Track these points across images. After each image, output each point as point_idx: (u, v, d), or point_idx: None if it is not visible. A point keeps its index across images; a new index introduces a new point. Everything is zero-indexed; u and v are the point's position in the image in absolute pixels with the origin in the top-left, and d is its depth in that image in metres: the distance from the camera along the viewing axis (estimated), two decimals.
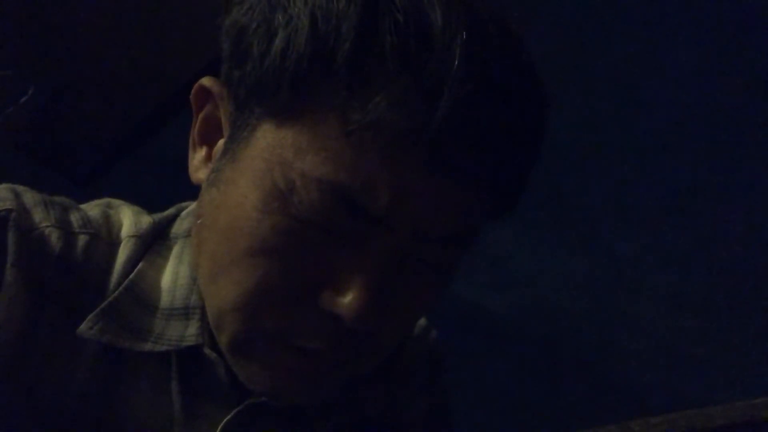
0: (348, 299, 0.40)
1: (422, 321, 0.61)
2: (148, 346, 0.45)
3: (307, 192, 0.39)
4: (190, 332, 0.46)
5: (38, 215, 0.46)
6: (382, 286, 0.40)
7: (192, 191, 0.49)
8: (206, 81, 0.46)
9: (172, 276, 0.48)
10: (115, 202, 0.53)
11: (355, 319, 0.39)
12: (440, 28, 0.38)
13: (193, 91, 0.47)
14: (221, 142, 0.45)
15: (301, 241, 0.40)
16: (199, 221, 0.45)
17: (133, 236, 0.49)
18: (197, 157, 0.47)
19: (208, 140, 0.47)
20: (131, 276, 0.47)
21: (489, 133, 0.39)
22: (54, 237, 0.45)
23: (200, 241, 0.45)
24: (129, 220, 0.50)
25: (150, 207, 0.53)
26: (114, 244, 0.48)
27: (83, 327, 0.44)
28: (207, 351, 0.46)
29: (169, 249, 0.50)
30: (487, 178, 0.41)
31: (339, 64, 0.37)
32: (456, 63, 0.37)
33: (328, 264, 0.40)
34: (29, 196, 0.47)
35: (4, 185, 0.47)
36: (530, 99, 0.42)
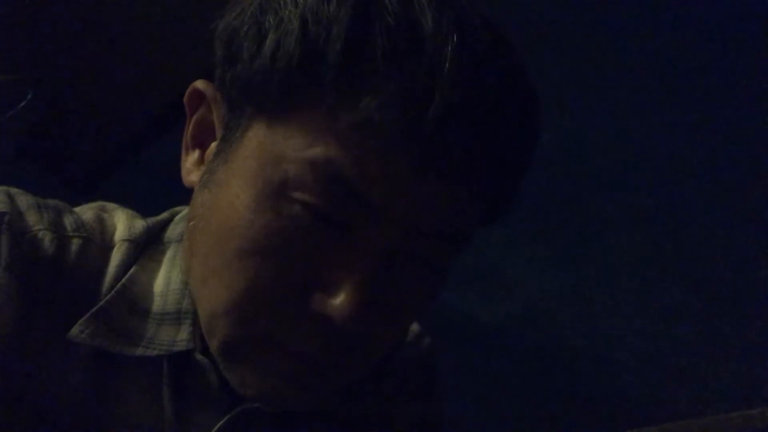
0: (339, 300, 0.39)
1: (415, 327, 0.61)
2: (139, 351, 0.45)
3: (302, 175, 0.39)
4: (181, 337, 0.46)
5: (32, 218, 0.46)
6: (374, 287, 0.40)
7: (187, 197, 0.49)
8: (200, 84, 0.47)
9: (164, 280, 0.48)
10: (109, 205, 0.53)
11: (346, 321, 0.39)
12: (431, 32, 0.38)
13: (186, 94, 0.47)
14: (214, 145, 0.46)
15: (293, 242, 0.40)
16: (191, 224, 0.45)
17: (126, 240, 0.49)
18: (190, 160, 0.47)
19: (201, 143, 0.47)
20: (123, 280, 0.47)
21: (479, 135, 0.40)
22: (47, 240, 0.45)
23: (192, 244, 0.45)
24: (123, 224, 0.50)
25: (145, 212, 0.53)
26: (107, 247, 0.48)
27: (74, 331, 0.44)
28: (198, 356, 0.46)
29: (163, 253, 0.50)
30: (478, 179, 0.41)
31: (329, 65, 0.38)
32: (447, 66, 0.37)
33: (319, 265, 0.40)
34: (23, 199, 0.47)
35: None
36: (521, 102, 0.42)
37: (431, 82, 0.37)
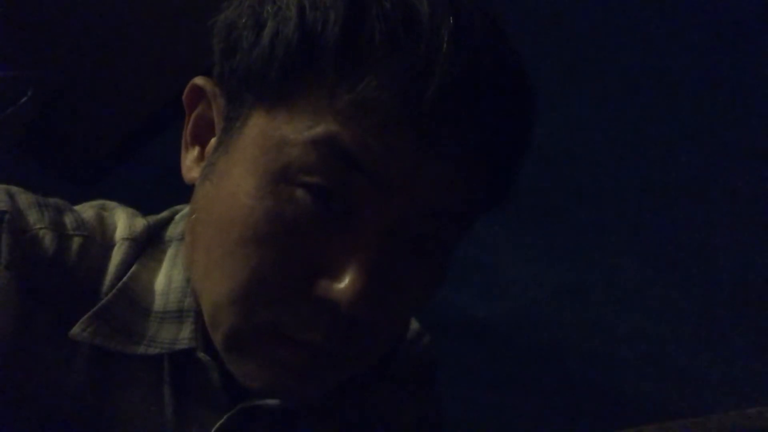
0: (344, 285, 0.39)
1: (415, 326, 0.61)
2: (140, 349, 0.45)
3: (304, 156, 0.39)
4: (183, 335, 0.46)
5: (32, 217, 0.46)
6: (378, 270, 0.40)
7: (187, 195, 0.49)
8: (199, 80, 0.47)
9: (165, 279, 0.48)
10: (110, 204, 0.53)
11: (352, 305, 0.39)
12: (428, 15, 0.39)
13: (186, 90, 0.47)
14: (214, 141, 0.46)
15: (295, 228, 0.40)
16: (192, 217, 0.46)
17: (127, 239, 0.49)
18: (190, 156, 0.47)
19: (201, 140, 0.47)
20: (125, 278, 0.47)
21: (477, 114, 0.40)
22: (48, 239, 0.45)
23: (194, 237, 0.45)
24: (123, 222, 0.50)
25: (145, 210, 0.53)
26: (108, 246, 0.48)
27: (76, 329, 0.44)
28: (200, 354, 0.46)
29: (164, 252, 0.50)
30: (478, 158, 0.42)
31: (327, 49, 0.39)
32: (444, 47, 0.38)
33: (322, 251, 0.40)
34: (23, 198, 0.47)
35: None
36: (516, 83, 0.43)
37: (429, 62, 0.38)
